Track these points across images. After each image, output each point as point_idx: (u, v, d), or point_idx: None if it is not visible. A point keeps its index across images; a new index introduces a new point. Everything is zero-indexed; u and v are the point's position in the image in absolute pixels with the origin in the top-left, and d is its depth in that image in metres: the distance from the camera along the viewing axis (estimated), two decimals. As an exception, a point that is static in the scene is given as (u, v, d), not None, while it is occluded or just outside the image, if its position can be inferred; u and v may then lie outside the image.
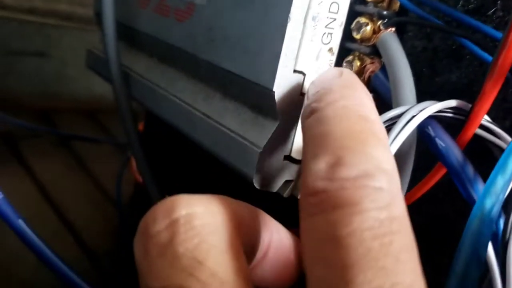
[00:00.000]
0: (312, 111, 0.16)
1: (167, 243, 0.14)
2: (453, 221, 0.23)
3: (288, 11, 0.20)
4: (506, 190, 0.16)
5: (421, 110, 0.18)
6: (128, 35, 0.33)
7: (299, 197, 0.15)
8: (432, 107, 0.19)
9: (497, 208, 0.15)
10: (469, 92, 0.21)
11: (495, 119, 0.20)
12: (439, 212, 0.23)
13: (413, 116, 0.18)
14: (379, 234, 0.13)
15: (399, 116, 0.18)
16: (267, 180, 0.22)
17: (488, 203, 0.15)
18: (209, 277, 0.14)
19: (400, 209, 0.14)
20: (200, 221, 0.15)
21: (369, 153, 0.14)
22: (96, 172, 0.54)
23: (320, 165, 0.14)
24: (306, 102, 0.17)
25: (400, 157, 0.18)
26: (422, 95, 0.22)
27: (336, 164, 0.14)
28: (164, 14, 0.28)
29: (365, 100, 0.16)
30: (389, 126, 0.18)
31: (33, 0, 0.68)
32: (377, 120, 0.16)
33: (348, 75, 0.17)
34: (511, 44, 0.17)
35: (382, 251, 0.12)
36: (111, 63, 0.32)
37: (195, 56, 0.26)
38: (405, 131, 0.18)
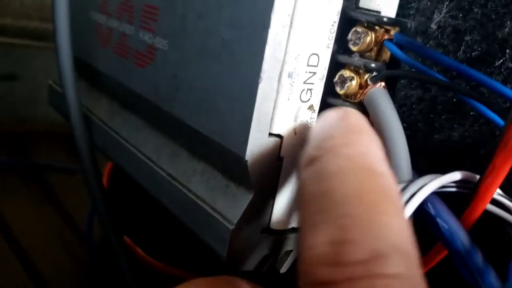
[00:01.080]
0: (311, 160, 0.14)
1: None
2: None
3: (259, 69, 0.16)
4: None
5: (421, 187, 0.15)
6: (88, 73, 0.30)
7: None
8: (433, 183, 0.16)
9: None
10: (474, 153, 0.18)
11: (504, 188, 0.17)
12: None
13: (413, 195, 0.15)
14: None
15: (395, 196, 0.15)
16: (242, 258, 0.19)
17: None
18: None
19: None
20: None
21: (381, 224, 0.12)
22: (68, 207, 0.51)
23: (321, 240, 0.12)
24: (305, 147, 0.15)
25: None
26: (417, 156, 0.19)
27: (341, 241, 0.11)
28: (124, 56, 0.25)
29: (373, 147, 0.14)
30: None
31: (2, 18, 0.65)
32: (387, 173, 0.13)
33: (353, 116, 0.15)
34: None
35: None
36: (70, 106, 0.29)
37: (158, 107, 0.22)
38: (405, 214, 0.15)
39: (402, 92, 0.20)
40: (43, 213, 0.49)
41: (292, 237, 0.21)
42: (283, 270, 0.21)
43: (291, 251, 0.21)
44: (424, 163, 0.19)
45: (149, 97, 0.23)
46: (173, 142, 0.23)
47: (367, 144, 0.14)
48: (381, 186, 0.12)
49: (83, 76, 0.30)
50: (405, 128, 0.18)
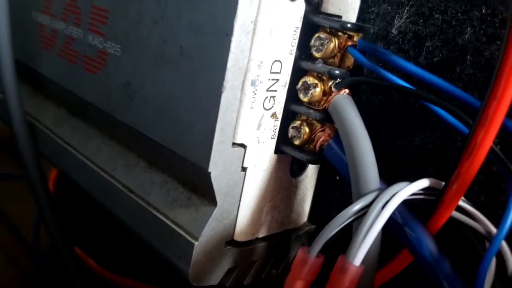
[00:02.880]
0: None
1: None
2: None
3: (222, 78, 0.16)
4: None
5: (391, 197, 0.15)
6: (32, 78, 0.28)
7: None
8: (403, 192, 0.15)
9: None
10: (436, 160, 0.18)
11: (468, 194, 0.17)
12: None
13: (384, 205, 0.15)
14: None
15: (367, 207, 0.15)
16: (206, 274, 0.18)
17: None
18: None
19: None
20: None
21: None
22: (11, 215, 0.48)
23: None
24: None
25: (367, 259, 0.15)
26: (378, 161, 0.19)
27: None
28: (71, 61, 0.24)
29: None
30: (354, 220, 0.15)
31: None
32: None
33: None
34: (493, 121, 0.15)
35: None
36: (13, 112, 0.27)
37: (112, 116, 0.21)
38: (376, 227, 0.15)
39: (364, 97, 0.20)
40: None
41: (257, 248, 0.20)
42: (247, 282, 0.21)
43: (255, 261, 0.20)
44: (385, 169, 0.19)
45: (100, 105, 0.22)
46: (129, 151, 0.22)
47: None
48: None
49: (26, 80, 0.29)
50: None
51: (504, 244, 0.16)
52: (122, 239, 0.33)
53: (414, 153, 0.19)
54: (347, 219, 0.15)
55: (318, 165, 0.21)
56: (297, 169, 0.20)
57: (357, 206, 0.15)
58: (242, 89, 0.17)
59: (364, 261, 0.14)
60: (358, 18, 0.19)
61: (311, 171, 0.21)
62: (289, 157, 0.20)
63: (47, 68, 0.26)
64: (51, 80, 0.25)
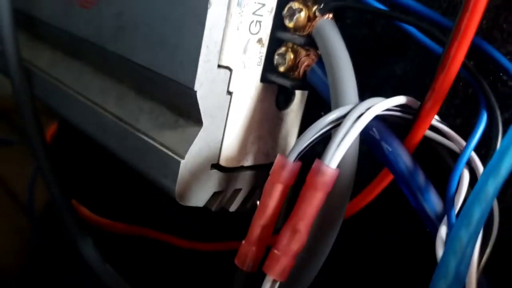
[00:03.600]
0: None
1: None
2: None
3: (205, 5, 0.16)
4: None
5: (367, 109, 0.16)
6: (27, 24, 0.29)
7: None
8: (379, 105, 0.16)
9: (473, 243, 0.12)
10: (416, 86, 0.19)
11: (444, 117, 0.18)
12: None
13: (358, 117, 0.16)
14: None
15: (342, 117, 0.16)
16: (192, 193, 0.19)
17: (464, 235, 0.12)
18: None
19: None
20: None
21: None
22: (7, 178, 0.49)
23: None
24: None
25: (342, 164, 0.15)
26: (363, 90, 0.20)
27: None
28: (65, 0, 0.24)
29: None
30: (331, 129, 0.16)
31: None
32: None
33: None
34: (462, 39, 0.15)
35: None
36: (9, 58, 0.28)
37: (103, 48, 0.22)
38: (351, 135, 0.15)
39: (350, 31, 0.20)
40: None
41: (242, 175, 0.21)
42: (232, 209, 0.21)
43: (240, 189, 0.21)
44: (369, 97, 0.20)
45: (93, 39, 0.22)
46: (120, 84, 0.22)
47: None
48: None
49: (23, 27, 0.29)
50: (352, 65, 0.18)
51: (476, 160, 0.16)
52: (115, 186, 0.34)
53: (396, 81, 0.20)
54: (324, 127, 0.16)
55: (304, 101, 0.22)
56: (283, 101, 0.21)
57: (333, 115, 0.16)
58: (228, 9, 0.17)
59: (340, 166, 0.15)
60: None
61: (297, 105, 0.22)
62: (275, 89, 0.20)
63: (42, 12, 0.27)
64: (47, 22, 0.26)
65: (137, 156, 0.20)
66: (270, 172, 0.16)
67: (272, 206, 0.16)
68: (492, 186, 0.12)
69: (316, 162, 0.15)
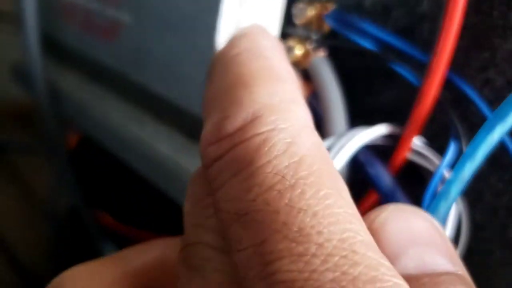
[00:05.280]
0: (211, 63, 0.15)
1: None
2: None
3: (213, 39, 0.19)
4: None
5: (352, 139, 0.18)
6: (55, 48, 0.32)
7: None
8: (362, 135, 0.19)
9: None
10: (402, 113, 0.21)
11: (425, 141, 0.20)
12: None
13: (345, 145, 0.18)
14: (284, 189, 0.10)
15: (330, 147, 0.18)
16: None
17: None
18: None
19: (306, 144, 0.11)
20: None
21: (256, 92, 0.12)
22: (31, 185, 0.52)
23: (208, 126, 0.12)
24: None
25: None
26: (355, 116, 0.22)
27: (223, 118, 0.12)
28: (90, 31, 0.27)
29: (261, 41, 0.14)
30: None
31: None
32: (271, 56, 0.14)
33: (247, 27, 0.15)
34: (435, 74, 0.18)
35: (293, 211, 0.10)
36: (36, 81, 0.31)
37: (125, 77, 0.25)
38: (336, 162, 0.18)
39: (342, 62, 0.23)
40: (8, 191, 0.50)
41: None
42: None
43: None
44: (361, 124, 0.22)
45: (115, 68, 0.25)
46: (140, 108, 0.25)
47: (263, 39, 0.14)
48: (265, 66, 0.13)
49: (49, 51, 0.32)
50: (344, 93, 0.21)
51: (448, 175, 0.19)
52: (140, 195, 0.36)
53: (384, 109, 0.22)
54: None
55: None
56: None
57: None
58: (233, 50, 0.20)
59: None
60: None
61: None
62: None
63: (70, 38, 0.29)
64: (74, 49, 0.29)
65: (156, 175, 0.23)
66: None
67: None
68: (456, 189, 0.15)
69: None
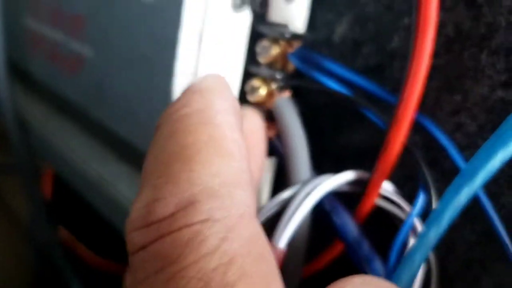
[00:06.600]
0: (159, 120, 0.13)
1: None
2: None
3: (171, 81, 0.18)
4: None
5: (316, 187, 0.17)
6: (24, 77, 0.31)
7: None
8: (327, 183, 0.18)
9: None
10: (373, 155, 0.20)
11: (394, 186, 0.19)
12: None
13: (308, 194, 0.17)
14: None
15: (293, 196, 0.17)
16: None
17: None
18: None
19: (241, 241, 0.10)
20: None
21: (196, 171, 0.11)
22: (11, 205, 0.50)
23: (138, 205, 0.11)
24: None
25: (292, 242, 0.17)
26: (324, 156, 0.21)
27: (153, 200, 0.11)
28: (55, 62, 0.26)
29: (215, 102, 0.13)
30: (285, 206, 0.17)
31: None
32: (222, 124, 0.12)
33: (206, 79, 0.14)
34: (402, 118, 0.17)
35: None
36: (4, 109, 0.30)
37: (87, 112, 0.24)
38: (299, 214, 0.17)
39: (311, 98, 0.22)
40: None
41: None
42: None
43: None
44: (330, 165, 0.21)
45: (78, 102, 0.24)
46: (104, 145, 0.24)
47: (209, 100, 0.13)
48: (209, 136, 0.11)
49: (18, 80, 0.31)
50: (313, 132, 0.20)
51: (419, 226, 0.18)
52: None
53: (354, 149, 0.21)
54: (278, 204, 0.17)
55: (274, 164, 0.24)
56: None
57: (285, 194, 0.17)
58: (192, 91, 0.19)
59: (290, 246, 0.17)
60: (308, 26, 0.21)
61: (266, 167, 0.23)
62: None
63: (36, 69, 0.29)
64: (40, 80, 0.28)
65: (115, 216, 0.22)
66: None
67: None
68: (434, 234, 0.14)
69: (271, 241, 0.17)
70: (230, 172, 0.11)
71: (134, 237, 0.11)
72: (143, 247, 0.11)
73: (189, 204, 0.10)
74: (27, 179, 0.31)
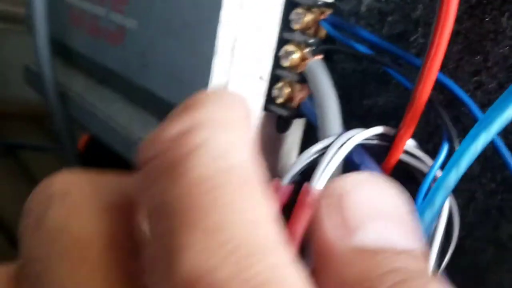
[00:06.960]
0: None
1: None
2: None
3: (213, 44, 0.20)
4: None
5: (348, 139, 0.19)
6: (64, 52, 0.32)
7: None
8: (358, 136, 0.19)
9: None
10: (396, 116, 0.22)
11: (419, 142, 0.21)
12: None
13: (341, 146, 0.19)
14: (211, 187, 0.10)
15: (327, 147, 0.19)
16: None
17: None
18: None
19: (240, 158, 0.11)
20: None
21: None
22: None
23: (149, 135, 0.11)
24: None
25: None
26: (351, 118, 0.23)
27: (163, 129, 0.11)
28: (97, 36, 0.28)
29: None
30: (318, 157, 0.19)
31: (-28, 2, 0.65)
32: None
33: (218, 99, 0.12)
34: (427, 77, 0.18)
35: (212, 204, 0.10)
36: (46, 83, 0.32)
37: (130, 80, 0.25)
38: (334, 162, 0.18)
39: (340, 65, 0.24)
40: (18, 188, 0.51)
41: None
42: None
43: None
44: (357, 125, 0.23)
45: (120, 72, 0.26)
46: (144, 111, 0.26)
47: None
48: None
49: (58, 55, 0.33)
50: (341, 96, 0.21)
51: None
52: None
53: (379, 111, 0.23)
54: (312, 156, 0.19)
55: (302, 127, 0.25)
56: (283, 126, 0.24)
57: (319, 146, 0.19)
58: (232, 54, 0.20)
59: (325, 188, 0.18)
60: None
61: (295, 129, 0.25)
62: (275, 115, 0.24)
63: (77, 43, 0.30)
64: (82, 53, 0.30)
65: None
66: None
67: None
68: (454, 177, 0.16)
69: (305, 185, 0.18)
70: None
71: (143, 151, 0.11)
72: (152, 158, 0.11)
73: (194, 127, 0.11)
74: (67, 153, 0.33)
